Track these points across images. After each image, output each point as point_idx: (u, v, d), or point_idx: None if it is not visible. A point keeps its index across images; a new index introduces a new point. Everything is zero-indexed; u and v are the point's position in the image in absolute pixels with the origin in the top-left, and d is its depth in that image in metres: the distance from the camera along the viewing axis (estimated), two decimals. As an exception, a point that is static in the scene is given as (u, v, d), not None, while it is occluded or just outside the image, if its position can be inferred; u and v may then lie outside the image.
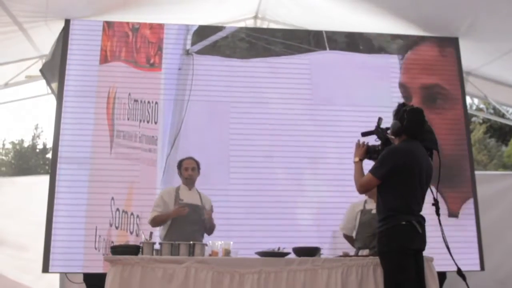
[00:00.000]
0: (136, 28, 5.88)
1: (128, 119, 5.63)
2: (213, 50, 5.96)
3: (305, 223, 5.57)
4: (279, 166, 5.69)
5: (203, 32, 6.03)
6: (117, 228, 5.32)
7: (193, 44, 5.92)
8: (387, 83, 5.99)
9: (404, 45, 6.15)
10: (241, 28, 6.33)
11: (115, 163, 5.49)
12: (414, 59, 6.09)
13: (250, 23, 7.25)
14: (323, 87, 5.95)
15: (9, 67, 6.38)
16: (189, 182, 4.65)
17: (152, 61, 5.79)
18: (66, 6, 5.61)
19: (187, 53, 5.86)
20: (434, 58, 6.11)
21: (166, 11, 6.18)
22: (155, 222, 4.52)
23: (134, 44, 5.82)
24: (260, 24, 7.27)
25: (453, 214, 5.62)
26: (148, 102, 5.68)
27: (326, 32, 6.19)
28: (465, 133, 5.98)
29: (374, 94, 5.93)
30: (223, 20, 6.87)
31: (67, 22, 5.77)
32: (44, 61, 6.18)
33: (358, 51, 6.14)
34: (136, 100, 5.67)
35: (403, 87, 5.97)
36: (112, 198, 5.38)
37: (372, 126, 3.88)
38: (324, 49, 6.09)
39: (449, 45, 6.14)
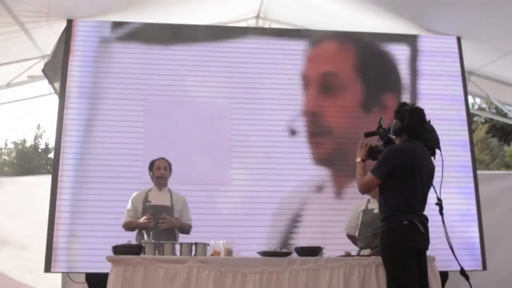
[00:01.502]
0: None
1: None
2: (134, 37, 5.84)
3: (307, 224, 5.56)
4: (281, 166, 5.68)
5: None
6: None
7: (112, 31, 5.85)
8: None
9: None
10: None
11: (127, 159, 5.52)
12: (316, 53, 6.07)
13: (252, 23, 7.26)
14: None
15: (11, 67, 6.39)
16: (161, 181, 4.63)
17: None
18: (68, 6, 5.62)
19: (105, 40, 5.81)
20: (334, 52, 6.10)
21: (168, 11, 6.18)
22: (127, 227, 4.55)
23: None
24: (262, 23, 7.28)
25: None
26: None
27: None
28: (467, 132, 5.98)
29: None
30: (225, 20, 6.88)
31: (69, 22, 5.77)
32: (46, 61, 6.18)
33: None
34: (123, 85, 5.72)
35: (303, 76, 5.93)
36: None
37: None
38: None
39: (350, 41, 6.16)
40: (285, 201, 5.59)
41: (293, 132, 5.73)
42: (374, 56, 6.10)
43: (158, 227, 4.35)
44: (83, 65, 5.69)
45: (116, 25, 5.83)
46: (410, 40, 6.17)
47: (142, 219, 4.40)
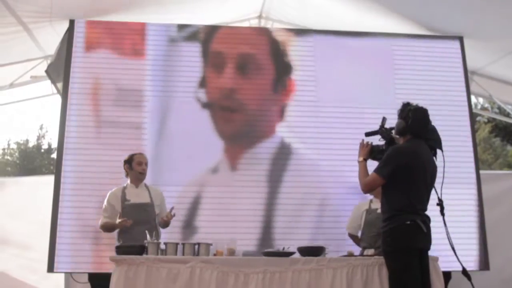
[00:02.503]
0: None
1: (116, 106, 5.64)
2: (197, 37, 5.92)
3: (310, 225, 5.55)
4: (285, 167, 5.68)
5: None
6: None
7: (179, 32, 5.91)
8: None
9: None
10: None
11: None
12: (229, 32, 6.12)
13: (254, 23, 7.26)
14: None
15: (14, 67, 6.40)
16: (141, 177, 4.54)
17: (136, 48, 5.80)
18: (70, 7, 5.62)
19: (172, 40, 5.86)
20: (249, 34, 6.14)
21: (170, 11, 6.19)
22: (105, 228, 4.47)
23: (118, 32, 5.83)
24: (264, 24, 7.28)
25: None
26: (134, 90, 5.69)
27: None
28: (470, 132, 5.97)
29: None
30: (227, 20, 6.88)
31: (72, 22, 5.78)
32: (49, 61, 6.20)
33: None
34: (121, 89, 5.67)
35: (216, 53, 5.92)
36: None
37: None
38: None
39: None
40: (288, 200, 5.58)
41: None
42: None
43: (145, 225, 4.23)
44: (85, 65, 5.70)
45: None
46: (413, 39, 6.18)
47: (118, 221, 4.24)
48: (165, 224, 4.48)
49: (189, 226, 5.35)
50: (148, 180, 4.71)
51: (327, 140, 5.72)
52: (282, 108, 5.83)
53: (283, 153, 5.71)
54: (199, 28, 5.95)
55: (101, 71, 5.70)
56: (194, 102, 5.73)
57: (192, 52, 5.87)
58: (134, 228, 4.24)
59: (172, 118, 5.67)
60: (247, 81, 5.85)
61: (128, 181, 4.60)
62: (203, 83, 5.79)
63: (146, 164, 4.59)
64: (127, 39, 5.81)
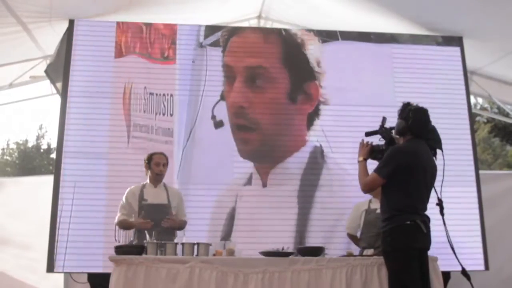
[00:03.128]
0: (149, 22, 5.90)
1: (144, 111, 5.64)
2: (225, 42, 5.96)
3: (310, 223, 5.55)
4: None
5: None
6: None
7: (206, 37, 5.91)
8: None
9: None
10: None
11: (131, 158, 5.44)
12: (239, 41, 6.03)
13: (254, 23, 7.25)
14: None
15: (13, 67, 6.40)
16: (159, 178, 4.54)
17: (166, 54, 5.80)
18: (70, 6, 5.62)
19: (201, 45, 5.87)
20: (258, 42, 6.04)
21: (170, 11, 6.18)
22: (121, 225, 4.47)
23: (148, 38, 5.83)
24: (264, 24, 7.27)
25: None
26: (164, 94, 5.69)
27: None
28: (469, 132, 5.97)
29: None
30: (226, 20, 6.87)
31: (71, 22, 5.78)
32: (48, 61, 6.19)
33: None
34: (151, 93, 5.68)
35: (227, 67, 5.89)
36: None
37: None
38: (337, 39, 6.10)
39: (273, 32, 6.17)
40: (288, 200, 5.58)
41: (218, 124, 5.67)
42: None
43: (159, 227, 4.26)
44: (85, 65, 5.69)
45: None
46: (413, 39, 6.18)
47: (139, 221, 4.29)
48: (180, 227, 4.52)
49: (226, 237, 5.36)
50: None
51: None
52: (310, 116, 5.77)
53: (316, 163, 5.65)
54: (219, 37, 5.91)
55: (107, 69, 5.72)
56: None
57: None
58: (150, 229, 4.22)
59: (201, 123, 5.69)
60: (258, 95, 5.77)
61: (148, 179, 4.59)
62: (222, 97, 5.76)
63: (164, 165, 4.56)
64: (156, 43, 5.84)
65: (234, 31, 6.04)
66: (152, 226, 4.23)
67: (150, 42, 5.83)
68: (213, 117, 5.67)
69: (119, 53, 5.77)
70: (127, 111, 5.62)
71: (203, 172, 5.53)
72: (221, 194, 5.50)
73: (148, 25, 5.88)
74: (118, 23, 5.85)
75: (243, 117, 5.69)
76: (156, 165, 4.52)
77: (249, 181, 5.58)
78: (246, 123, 5.69)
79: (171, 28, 5.89)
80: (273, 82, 5.82)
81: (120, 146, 5.53)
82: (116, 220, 4.48)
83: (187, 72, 5.79)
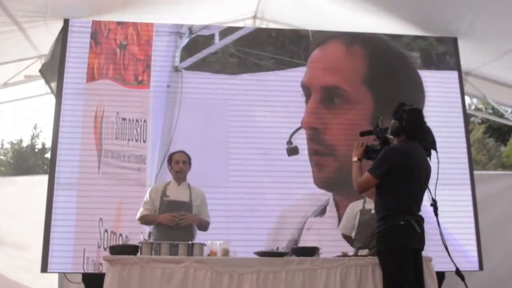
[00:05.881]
0: (124, 45, 5.78)
1: (116, 138, 5.54)
2: (203, 65, 5.85)
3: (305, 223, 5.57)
4: (278, 168, 5.68)
5: (192, 47, 5.89)
6: (105, 249, 5.19)
7: (181, 60, 5.80)
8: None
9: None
10: (232, 42, 6.03)
11: (102, 183, 5.40)
12: (318, 57, 6.00)
13: (249, 23, 7.25)
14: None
15: (8, 66, 6.38)
16: (180, 176, 4.55)
17: (140, 78, 5.69)
18: (65, 6, 5.61)
19: (176, 69, 5.77)
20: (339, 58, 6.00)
21: (165, 11, 6.18)
22: (143, 220, 4.48)
23: (122, 61, 5.73)
24: (259, 24, 7.27)
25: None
26: (137, 120, 5.60)
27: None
28: (464, 133, 5.99)
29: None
30: (222, 20, 6.86)
31: (66, 21, 5.77)
32: (43, 61, 6.18)
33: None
34: (124, 119, 5.58)
35: (304, 86, 5.87)
36: (100, 219, 5.33)
37: None
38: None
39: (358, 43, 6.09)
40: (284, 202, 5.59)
41: (292, 151, 5.58)
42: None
43: (178, 225, 4.28)
44: (79, 65, 5.68)
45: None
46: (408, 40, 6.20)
47: (165, 216, 4.29)
48: (202, 227, 4.52)
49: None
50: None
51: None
52: None
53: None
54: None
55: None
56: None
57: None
58: (170, 226, 4.26)
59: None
60: (334, 116, 5.70)
61: (172, 178, 4.63)
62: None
63: (184, 162, 4.55)
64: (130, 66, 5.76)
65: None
66: (175, 224, 4.26)
67: (124, 65, 5.73)
68: (289, 142, 5.61)
69: (91, 77, 5.67)
70: (98, 136, 5.54)
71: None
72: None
73: (123, 48, 5.76)
74: (91, 45, 5.73)
75: (316, 140, 5.60)
76: (176, 163, 4.55)
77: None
78: (319, 148, 5.62)
79: (146, 52, 5.77)
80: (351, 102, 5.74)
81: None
82: (138, 216, 4.48)
83: (162, 97, 5.68)
